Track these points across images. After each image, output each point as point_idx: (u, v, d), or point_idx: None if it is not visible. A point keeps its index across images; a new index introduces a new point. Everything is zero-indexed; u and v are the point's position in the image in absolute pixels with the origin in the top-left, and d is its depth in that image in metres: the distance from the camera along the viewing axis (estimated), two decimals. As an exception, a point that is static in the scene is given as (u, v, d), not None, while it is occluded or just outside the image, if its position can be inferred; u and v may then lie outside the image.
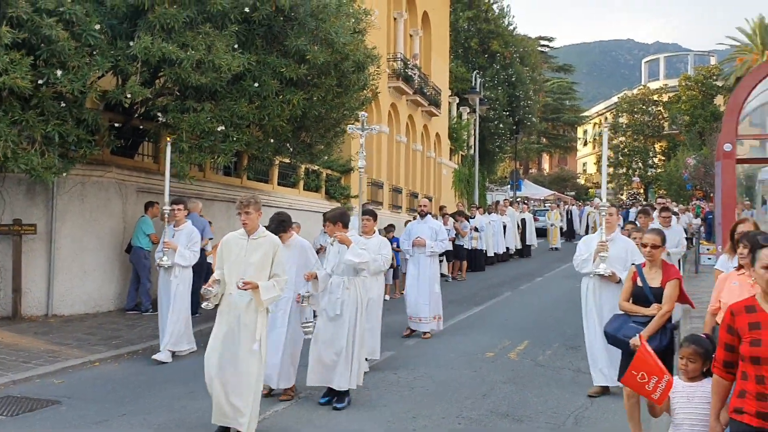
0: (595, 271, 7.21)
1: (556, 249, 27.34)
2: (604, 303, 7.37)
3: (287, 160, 15.72)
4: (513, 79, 37.36)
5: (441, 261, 18.36)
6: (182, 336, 9.10)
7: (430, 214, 11.81)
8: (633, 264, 6.31)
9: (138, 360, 9.04)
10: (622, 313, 5.97)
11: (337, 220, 7.39)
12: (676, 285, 5.80)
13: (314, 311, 7.52)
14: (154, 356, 8.86)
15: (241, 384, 5.85)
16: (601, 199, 7.58)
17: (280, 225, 7.23)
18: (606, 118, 60.55)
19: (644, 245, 5.85)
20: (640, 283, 5.84)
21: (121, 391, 7.56)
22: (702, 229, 23.18)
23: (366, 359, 8.21)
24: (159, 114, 11.00)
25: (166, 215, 9.36)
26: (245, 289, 5.84)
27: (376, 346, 8.72)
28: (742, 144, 26.59)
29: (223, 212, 14.88)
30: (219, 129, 10.61)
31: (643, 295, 5.83)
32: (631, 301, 5.94)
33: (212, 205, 14.36)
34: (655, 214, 11.93)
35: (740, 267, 5.22)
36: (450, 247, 18.35)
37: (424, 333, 10.66)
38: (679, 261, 15.87)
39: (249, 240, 6.12)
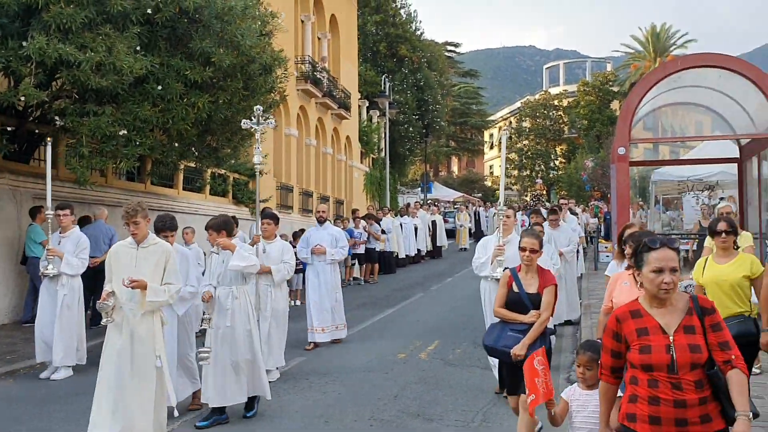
0: (492, 275, 7.12)
1: (465, 249, 27.92)
2: None
3: (193, 165, 15.37)
4: (421, 83, 37.91)
5: (353, 265, 18.43)
6: (73, 350, 8.58)
7: (329, 220, 11.59)
8: (507, 268, 5.93)
9: (35, 375, 8.61)
10: (498, 321, 5.62)
11: (221, 228, 6.88)
12: (553, 291, 5.54)
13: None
14: (52, 377, 8.39)
15: (140, 403, 5.52)
16: (498, 202, 7.60)
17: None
18: (510, 123, 62.40)
19: (522, 249, 5.52)
20: (516, 289, 5.50)
21: (17, 408, 7.19)
22: (601, 228, 24.21)
23: (276, 368, 8.10)
24: (56, 118, 10.55)
25: (50, 221, 8.72)
26: (132, 287, 5.51)
27: (281, 356, 8.45)
28: (637, 147, 28.09)
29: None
30: (121, 133, 10.28)
31: (519, 302, 5.47)
32: (506, 307, 5.56)
33: (115, 211, 13.85)
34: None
35: (631, 267, 5.29)
36: (361, 251, 18.46)
37: (335, 340, 10.42)
38: (577, 257, 16.66)
39: (138, 249, 5.83)
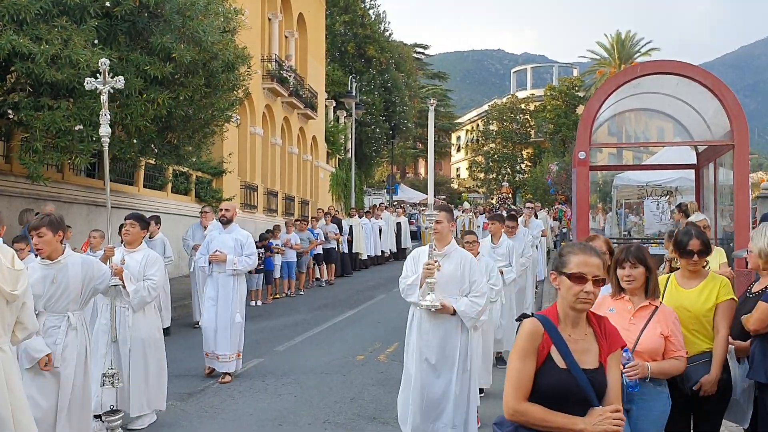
0: (422, 304, 5.32)
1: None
2: (432, 345, 5.45)
3: (153, 162, 15.11)
4: (389, 84, 37.87)
5: (314, 265, 18.30)
6: None
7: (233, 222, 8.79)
8: (532, 315, 3.00)
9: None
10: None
11: (58, 228, 5.21)
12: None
13: None
14: None
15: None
16: (427, 202, 5.77)
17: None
18: (477, 125, 62.74)
19: (578, 279, 2.85)
20: (561, 362, 2.84)
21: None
22: (565, 231, 24.44)
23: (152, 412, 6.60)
24: (10, 111, 10.25)
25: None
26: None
27: (159, 397, 6.65)
28: (601, 151, 28.28)
29: (84, 216, 14.10)
30: (77, 128, 10.00)
31: (569, 390, 2.82)
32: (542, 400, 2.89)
33: (71, 207, 13.58)
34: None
35: (618, 291, 4.16)
36: (320, 251, 18.36)
37: (223, 375, 8.18)
38: (544, 260, 16.75)
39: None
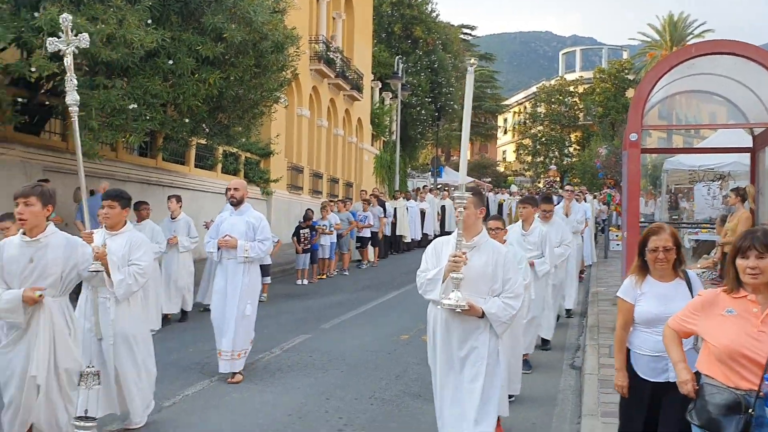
0: (443, 303, 4.46)
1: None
2: (455, 341, 4.68)
3: (203, 142, 15.38)
4: (435, 65, 37.64)
5: (358, 247, 18.34)
6: None
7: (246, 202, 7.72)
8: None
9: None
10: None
11: (48, 201, 4.83)
12: None
13: None
14: None
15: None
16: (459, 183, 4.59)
17: None
18: (525, 108, 62.00)
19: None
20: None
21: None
22: (615, 216, 24.08)
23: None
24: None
25: None
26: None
27: (149, 395, 5.90)
28: (651, 135, 27.78)
29: (137, 194, 14.42)
30: (131, 107, 10.24)
31: None
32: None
33: (124, 185, 13.90)
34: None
35: (737, 286, 3.38)
36: (367, 234, 18.38)
37: (232, 375, 7.29)
38: (592, 244, 16.54)
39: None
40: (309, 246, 14.83)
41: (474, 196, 4.69)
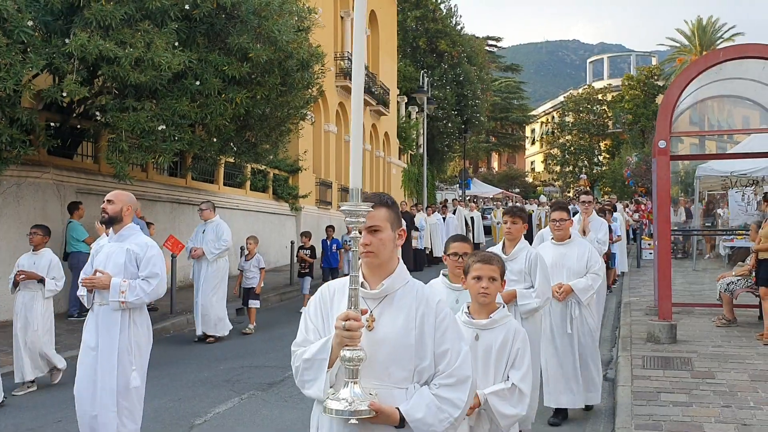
0: (328, 407, 2.55)
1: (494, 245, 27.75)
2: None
3: (232, 160, 15.56)
4: (461, 78, 37.70)
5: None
6: None
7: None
8: None
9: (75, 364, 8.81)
10: None
11: None
12: None
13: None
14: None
15: None
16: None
17: None
18: (552, 117, 61.66)
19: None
20: None
21: (58, 396, 7.37)
22: (646, 224, 23.76)
23: None
24: (98, 113, 10.77)
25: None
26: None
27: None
28: (683, 141, 27.51)
29: (167, 213, 14.65)
30: (160, 128, 10.43)
31: None
32: None
33: (155, 205, 14.12)
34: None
35: None
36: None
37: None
38: (624, 252, 16.29)
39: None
40: (308, 270, 13.18)
41: (387, 210, 2.75)
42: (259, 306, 11.26)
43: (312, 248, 13.20)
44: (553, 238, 6.48)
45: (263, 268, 11.42)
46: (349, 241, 14.86)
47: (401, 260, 2.81)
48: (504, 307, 3.71)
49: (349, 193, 2.58)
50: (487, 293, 3.56)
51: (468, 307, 3.68)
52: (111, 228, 5.29)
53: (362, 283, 2.68)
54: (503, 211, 5.54)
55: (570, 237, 6.39)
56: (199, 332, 10.39)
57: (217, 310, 10.38)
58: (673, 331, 8.74)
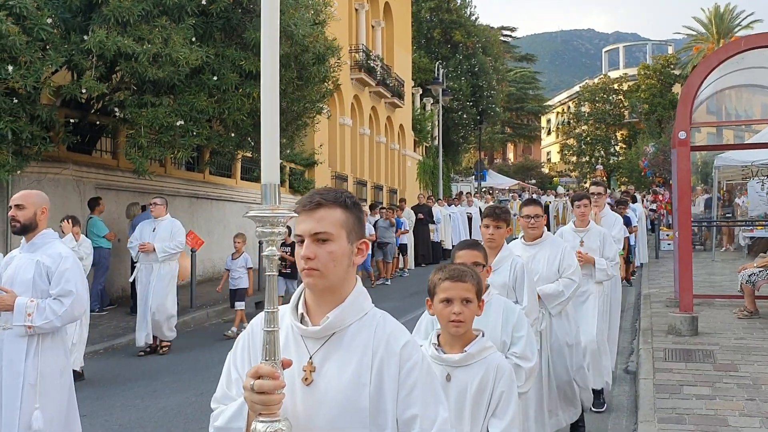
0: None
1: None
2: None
3: (249, 155, 15.61)
4: (476, 69, 37.52)
5: (399, 255, 17.83)
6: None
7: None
8: None
9: (99, 359, 8.92)
10: None
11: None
12: None
13: None
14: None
15: None
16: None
17: None
18: (568, 107, 61.26)
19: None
20: None
21: (83, 391, 7.45)
22: (663, 215, 23.60)
23: None
24: (116, 109, 10.85)
25: None
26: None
27: None
28: (700, 131, 27.27)
29: (186, 208, 14.73)
30: (178, 124, 10.48)
31: None
32: None
33: (174, 200, 14.19)
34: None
35: None
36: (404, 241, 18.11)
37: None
38: (644, 243, 16.20)
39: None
40: (289, 269, 11.00)
41: (342, 212, 2.04)
42: (244, 308, 10.39)
43: (293, 245, 12.60)
44: (523, 237, 5.50)
45: (251, 267, 10.68)
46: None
47: (359, 281, 2.04)
48: (483, 335, 2.87)
49: (262, 190, 1.79)
50: (461, 320, 2.75)
51: (438, 338, 2.91)
52: (24, 237, 4.40)
53: (302, 315, 1.97)
54: (483, 213, 4.56)
55: (542, 236, 5.36)
56: (141, 343, 9.36)
57: (170, 309, 9.43)
58: (695, 323, 8.68)
